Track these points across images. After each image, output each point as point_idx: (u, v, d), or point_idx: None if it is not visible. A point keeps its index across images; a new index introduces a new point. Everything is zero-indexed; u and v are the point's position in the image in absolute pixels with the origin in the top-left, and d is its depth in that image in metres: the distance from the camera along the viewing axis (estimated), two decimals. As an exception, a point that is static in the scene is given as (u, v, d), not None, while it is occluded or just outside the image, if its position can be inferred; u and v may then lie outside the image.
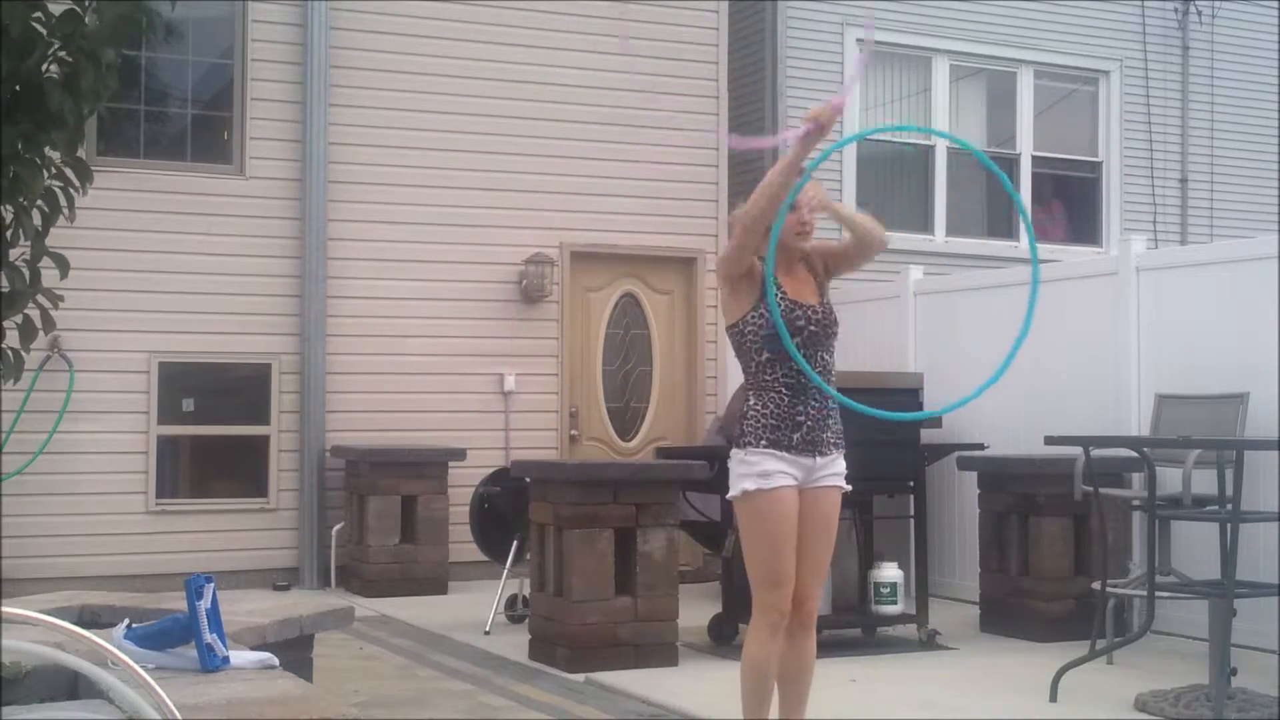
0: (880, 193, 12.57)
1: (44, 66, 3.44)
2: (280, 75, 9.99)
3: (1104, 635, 6.81)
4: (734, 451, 4.54)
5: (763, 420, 4.45)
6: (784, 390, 4.45)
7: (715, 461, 6.79)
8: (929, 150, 12.64)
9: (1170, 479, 6.75)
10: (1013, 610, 7.69)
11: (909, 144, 12.74)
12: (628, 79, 10.78)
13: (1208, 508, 6.42)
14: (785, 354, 4.36)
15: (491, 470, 8.79)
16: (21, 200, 3.48)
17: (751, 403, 4.49)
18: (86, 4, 3.46)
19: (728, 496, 4.58)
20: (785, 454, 4.43)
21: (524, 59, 10.54)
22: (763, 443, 4.43)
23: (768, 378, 4.47)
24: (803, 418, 4.44)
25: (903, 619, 7.45)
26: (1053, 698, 5.96)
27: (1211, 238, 13.13)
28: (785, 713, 4.64)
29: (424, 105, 10.29)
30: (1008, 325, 8.82)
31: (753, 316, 4.49)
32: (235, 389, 9.96)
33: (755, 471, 4.43)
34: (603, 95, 10.74)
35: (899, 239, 12.22)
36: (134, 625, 3.89)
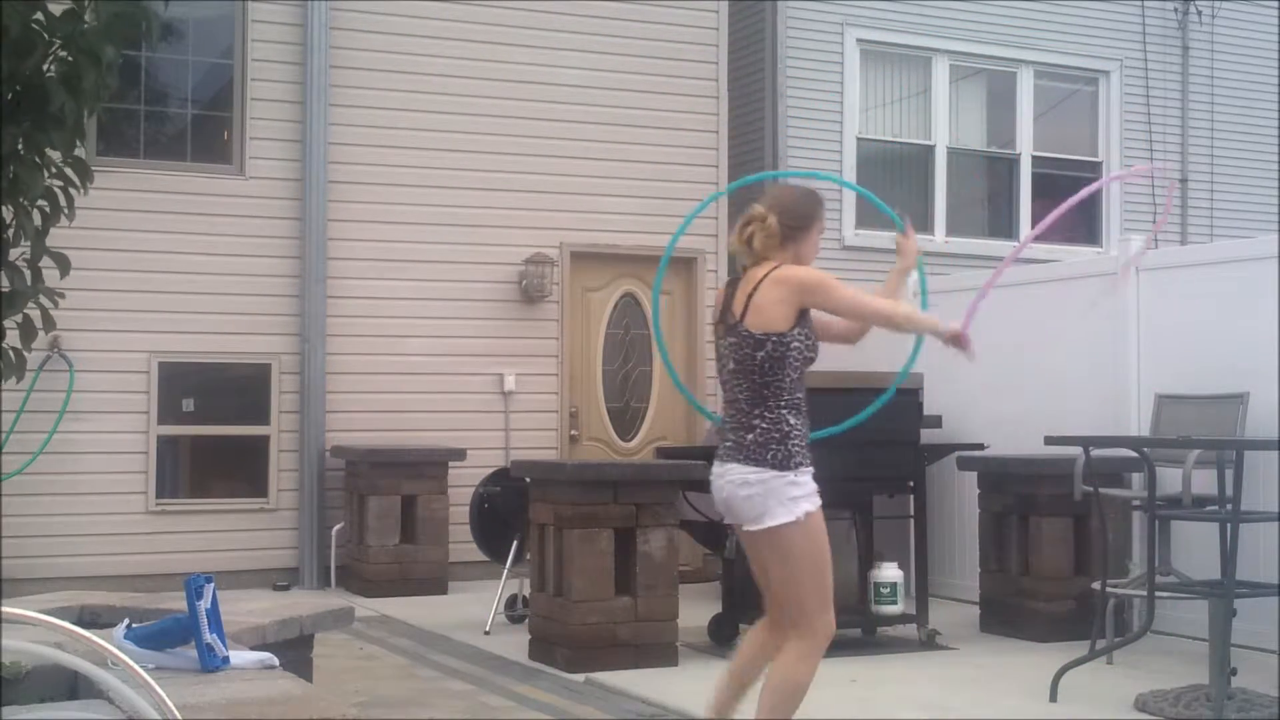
0: (880, 193, 12.49)
1: (44, 66, 3.44)
2: (280, 75, 9.99)
3: (1104, 635, 6.81)
4: (775, 474, 4.32)
5: (802, 439, 4.41)
6: (804, 408, 4.46)
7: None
8: (929, 150, 12.64)
9: (1170, 479, 6.74)
10: (1013, 610, 7.69)
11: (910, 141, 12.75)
12: (628, 79, 10.80)
13: (1208, 508, 6.41)
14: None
15: (491, 470, 8.79)
16: (22, 200, 3.48)
17: (792, 422, 4.38)
18: (86, 3, 3.46)
19: (783, 522, 4.30)
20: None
21: (524, 59, 10.53)
22: (807, 461, 4.41)
23: (799, 396, 4.44)
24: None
25: (903, 619, 7.45)
26: (1053, 698, 5.96)
27: (1211, 238, 13.13)
28: (761, 713, 4.47)
29: (424, 105, 10.29)
30: (1008, 325, 8.88)
31: (798, 332, 4.41)
32: (235, 389, 9.96)
33: (810, 491, 4.38)
34: (603, 95, 10.74)
35: (898, 239, 12.24)
36: (134, 625, 3.89)
